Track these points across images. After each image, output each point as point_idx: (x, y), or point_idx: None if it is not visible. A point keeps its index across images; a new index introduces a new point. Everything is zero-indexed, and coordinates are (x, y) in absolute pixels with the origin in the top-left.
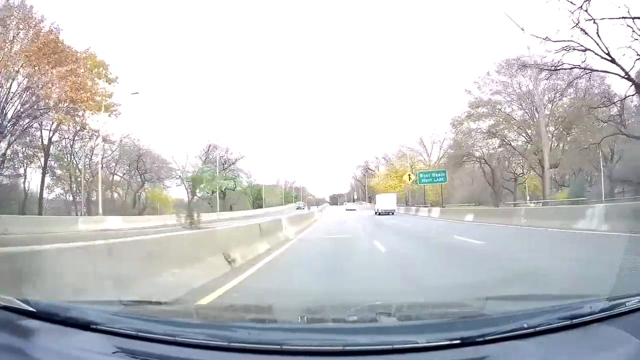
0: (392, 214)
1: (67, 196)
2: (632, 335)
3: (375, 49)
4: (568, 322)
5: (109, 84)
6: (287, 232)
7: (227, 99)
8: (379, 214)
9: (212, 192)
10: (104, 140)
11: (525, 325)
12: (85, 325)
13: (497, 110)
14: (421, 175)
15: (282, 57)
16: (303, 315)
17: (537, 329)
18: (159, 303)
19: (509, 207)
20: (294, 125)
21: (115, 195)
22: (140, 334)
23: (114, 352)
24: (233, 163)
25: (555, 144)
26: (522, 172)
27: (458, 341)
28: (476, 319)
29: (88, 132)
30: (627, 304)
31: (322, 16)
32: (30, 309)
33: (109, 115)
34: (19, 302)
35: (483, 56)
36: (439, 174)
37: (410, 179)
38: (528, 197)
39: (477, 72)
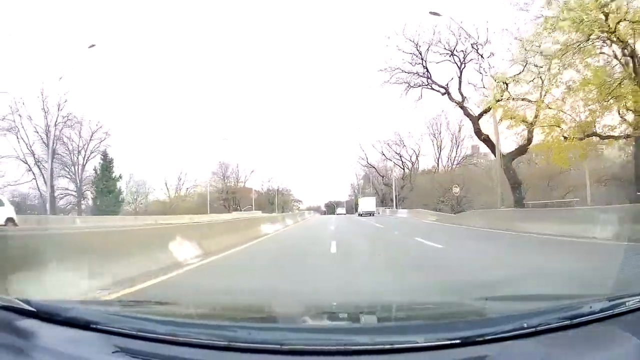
0: (372, 215)
1: None
2: (632, 335)
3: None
4: (568, 322)
5: None
6: None
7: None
8: (361, 215)
9: None
10: None
11: (525, 325)
12: (85, 325)
13: None
14: None
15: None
16: (303, 315)
17: (537, 329)
18: (159, 303)
19: None
20: (288, 132)
21: None
22: (140, 333)
23: (114, 352)
24: None
25: None
26: None
27: (458, 341)
28: (476, 319)
29: None
30: (627, 303)
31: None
32: (31, 308)
33: None
34: (19, 302)
35: None
36: None
37: None
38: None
39: None
